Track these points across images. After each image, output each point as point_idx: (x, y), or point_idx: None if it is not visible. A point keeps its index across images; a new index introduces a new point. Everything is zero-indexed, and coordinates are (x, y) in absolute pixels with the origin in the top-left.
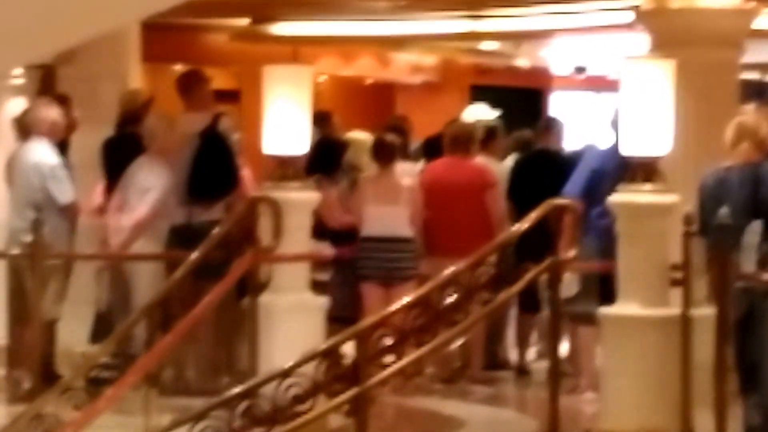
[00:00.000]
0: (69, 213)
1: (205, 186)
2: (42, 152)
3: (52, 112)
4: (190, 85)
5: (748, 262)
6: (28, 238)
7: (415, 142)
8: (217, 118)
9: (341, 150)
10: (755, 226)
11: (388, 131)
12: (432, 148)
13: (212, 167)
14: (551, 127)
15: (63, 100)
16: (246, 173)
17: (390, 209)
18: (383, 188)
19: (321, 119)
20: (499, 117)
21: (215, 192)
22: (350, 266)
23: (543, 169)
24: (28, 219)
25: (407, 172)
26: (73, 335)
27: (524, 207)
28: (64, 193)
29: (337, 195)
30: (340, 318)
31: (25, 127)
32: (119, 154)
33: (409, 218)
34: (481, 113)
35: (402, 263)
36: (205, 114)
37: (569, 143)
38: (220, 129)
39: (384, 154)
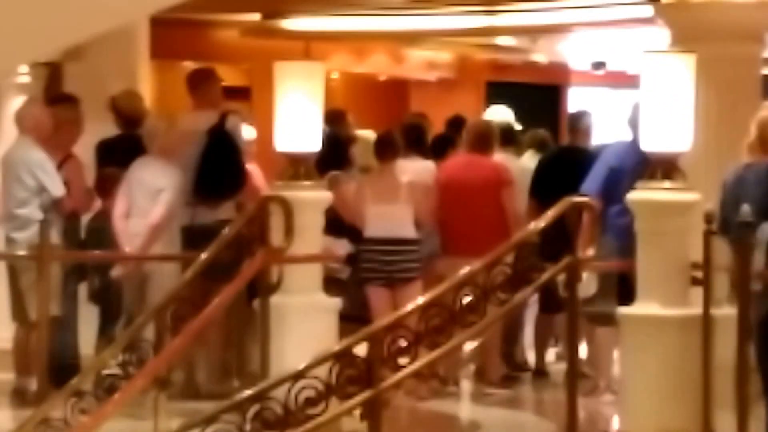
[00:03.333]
0: (61, 206)
1: (213, 185)
2: (28, 148)
3: (35, 110)
4: (199, 83)
5: (758, 261)
6: (19, 235)
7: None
8: (224, 116)
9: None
10: (765, 226)
11: (407, 129)
12: (439, 147)
13: (219, 166)
14: (579, 122)
15: (70, 100)
16: (253, 168)
17: (390, 208)
18: (383, 186)
19: (335, 118)
20: (516, 114)
21: (222, 192)
22: None
23: (570, 167)
24: (20, 217)
25: (427, 170)
26: (82, 338)
27: (550, 205)
28: (57, 185)
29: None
30: (358, 318)
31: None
32: (115, 156)
33: (411, 217)
34: (499, 112)
35: (404, 264)
36: (211, 112)
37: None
38: (227, 127)
39: (385, 150)
